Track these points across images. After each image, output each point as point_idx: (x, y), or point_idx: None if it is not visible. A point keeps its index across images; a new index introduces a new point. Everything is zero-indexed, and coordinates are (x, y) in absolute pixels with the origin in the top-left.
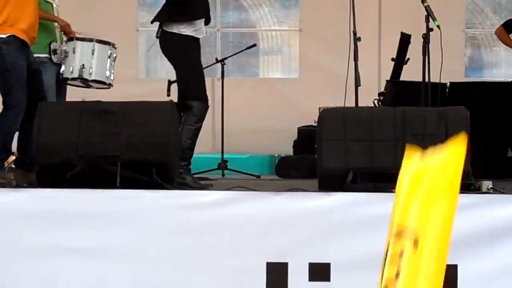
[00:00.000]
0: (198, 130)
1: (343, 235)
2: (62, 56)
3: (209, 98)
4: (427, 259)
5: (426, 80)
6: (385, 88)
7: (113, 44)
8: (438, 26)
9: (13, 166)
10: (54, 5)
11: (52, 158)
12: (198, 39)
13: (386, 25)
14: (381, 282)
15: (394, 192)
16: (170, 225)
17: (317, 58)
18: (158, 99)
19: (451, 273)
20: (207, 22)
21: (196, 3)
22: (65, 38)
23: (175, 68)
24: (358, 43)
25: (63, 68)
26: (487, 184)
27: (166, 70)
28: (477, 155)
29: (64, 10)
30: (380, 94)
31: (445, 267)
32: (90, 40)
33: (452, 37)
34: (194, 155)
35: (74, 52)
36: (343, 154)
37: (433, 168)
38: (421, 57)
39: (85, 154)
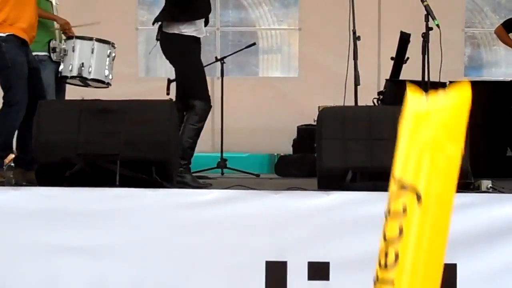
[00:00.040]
0: (200, 129)
1: (343, 234)
2: (61, 55)
3: None
4: (432, 213)
5: (426, 79)
6: (385, 87)
7: (113, 43)
8: (437, 25)
9: (12, 164)
10: (54, 4)
11: (52, 157)
12: (199, 38)
13: (386, 24)
14: (382, 247)
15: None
16: (170, 224)
17: (316, 57)
18: (158, 97)
19: (450, 272)
20: (205, 23)
21: (198, 2)
22: (64, 37)
23: (176, 69)
24: (358, 42)
25: (62, 66)
26: (486, 183)
27: (166, 69)
28: (477, 154)
29: (64, 8)
30: (379, 93)
31: (450, 221)
32: (90, 39)
33: (451, 36)
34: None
35: (73, 51)
36: (342, 153)
37: (436, 112)
38: (421, 56)
39: (84, 152)
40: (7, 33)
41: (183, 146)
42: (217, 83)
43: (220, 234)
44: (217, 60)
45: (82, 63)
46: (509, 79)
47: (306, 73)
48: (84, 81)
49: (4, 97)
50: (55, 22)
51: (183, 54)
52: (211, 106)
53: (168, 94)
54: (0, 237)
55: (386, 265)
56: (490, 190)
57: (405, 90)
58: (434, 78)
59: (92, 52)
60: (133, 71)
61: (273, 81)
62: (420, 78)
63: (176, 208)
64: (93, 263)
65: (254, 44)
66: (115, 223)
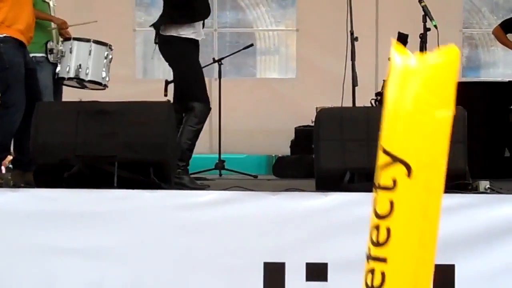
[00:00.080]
0: (198, 131)
1: (341, 235)
2: (58, 56)
3: None
4: (424, 184)
5: None
6: (382, 88)
7: (110, 45)
8: (435, 26)
9: (10, 166)
10: (51, 5)
11: (50, 158)
12: (198, 41)
13: (384, 25)
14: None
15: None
16: (168, 225)
17: (314, 58)
18: (155, 99)
19: (448, 273)
20: (202, 25)
21: (197, 4)
22: (61, 38)
23: (175, 71)
24: (356, 43)
25: (59, 67)
26: (484, 184)
27: (163, 70)
28: (475, 155)
29: (61, 10)
30: (377, 94)
31: (442, 194)
32: (87, 40)
33: (449, 36)
34: None
35: (71, 52)
36: (340, 154)
37: (423, 70)
38: None
39: (82, 154)
40: (4, 35)
41: (182, 148)
42: (215, 84)
43: (218, 235)
44: (214, 61)
45: (80, 65)
46: (507, 79)
47: (304, 74)
48: (81, 83)
49: (1, 99)
50: (52, 22)
51: (181, 56)
52: (210, 108)
53: (165, 95)
54: None
55: (378, 242)
56: (488, 191)
57: None
58: None
59: (90, 54)
60: (131, 72)
61: (271, 82)
62: None
63: (174, 209)
64: (91, 264)
65: (251, 45)
66: (113, 224)
